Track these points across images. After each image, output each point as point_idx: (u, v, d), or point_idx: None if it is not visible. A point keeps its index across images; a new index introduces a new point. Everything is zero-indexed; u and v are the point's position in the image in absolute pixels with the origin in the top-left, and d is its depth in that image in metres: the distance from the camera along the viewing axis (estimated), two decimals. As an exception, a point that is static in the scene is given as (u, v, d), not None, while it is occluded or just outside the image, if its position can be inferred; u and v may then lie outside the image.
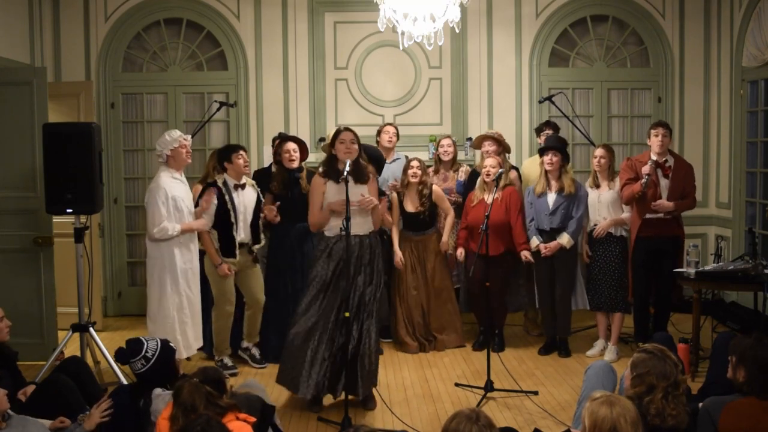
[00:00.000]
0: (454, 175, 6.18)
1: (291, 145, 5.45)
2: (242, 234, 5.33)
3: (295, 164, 5.43)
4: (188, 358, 5.56)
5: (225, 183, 5.26)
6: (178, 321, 4.92)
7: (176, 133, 5.02)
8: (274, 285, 5.55)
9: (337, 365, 4.51)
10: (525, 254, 5.61)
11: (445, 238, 5.88)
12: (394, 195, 5.86)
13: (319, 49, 7.07)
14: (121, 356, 3.54)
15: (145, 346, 3.51)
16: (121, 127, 7.05)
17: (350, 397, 4.37)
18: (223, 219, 5.22)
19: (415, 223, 5.83)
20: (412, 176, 5.76)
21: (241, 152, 5.30)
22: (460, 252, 5.79)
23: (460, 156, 6.60)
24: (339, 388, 4.52)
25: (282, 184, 5.51)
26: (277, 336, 5.45)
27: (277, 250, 5.55)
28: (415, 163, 5.78)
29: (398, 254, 5.78)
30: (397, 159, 6.30)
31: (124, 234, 7.10)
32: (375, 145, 6.06)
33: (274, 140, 5.97)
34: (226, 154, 5.33)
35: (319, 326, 4.51)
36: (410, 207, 5.81)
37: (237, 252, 5.27)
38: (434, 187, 5.86)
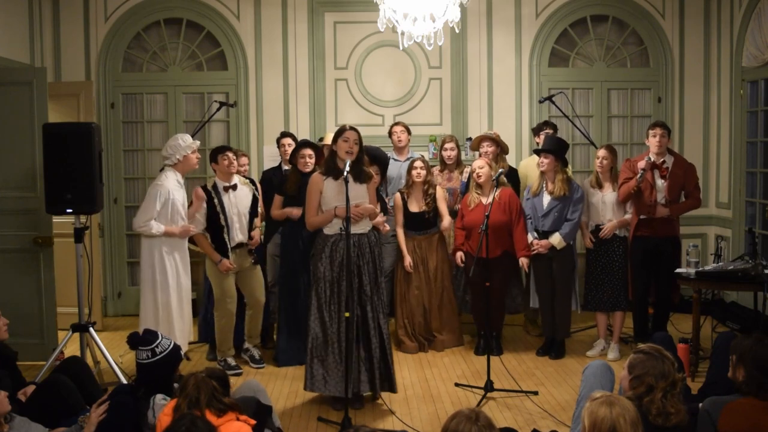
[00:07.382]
0: (459, 176, 6.16)
1: (307, 151, 5.52)
2: (239, 235, 5.35)
3: (309, 168, 5.50)
4: (188, 358, 5.58)
5: (214, 186, 5.30)
6: (166, 319, 4.94)
7: (189, 139, 5.08)
8: (288, 286, 5.54)
9: (362, 363, 4.53)
10: (523, 261, 5.58)
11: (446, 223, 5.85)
12: (398, 196, 5.87)
13: (319, 49, 7.07)
14: (133, 341, 3.52)
15: (158, 341, 3.49)
16: (121, 127, 7.06)
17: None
18: (214, 222, 5.25)
19: (419, 222, 5.84)
20: (416, 176, 5.78)
21: (228, 153, 5.31)
22: (460, 255, 5.75)
23: (461, 156, 6.59)
24: (365, 385, 4.54)
25: (296, 185, 5.55)
26: (291, 338, 5.47)
27: (290, 251, 5.56)
28: (418, 164, 5.80)
29: (407, 258, 5.80)
30: (411, 157, 6.29)
31: (124, 234, 7.11)
32: (389, 146, 6.15)
33: (278, 139, 6.06)
34: (212, 155, 5.38)
35: (337, 328, 4.52)
36: (415, 207, 5.82)
37: (229, 254, 5.29)
38: (438, 188, 5.88)
